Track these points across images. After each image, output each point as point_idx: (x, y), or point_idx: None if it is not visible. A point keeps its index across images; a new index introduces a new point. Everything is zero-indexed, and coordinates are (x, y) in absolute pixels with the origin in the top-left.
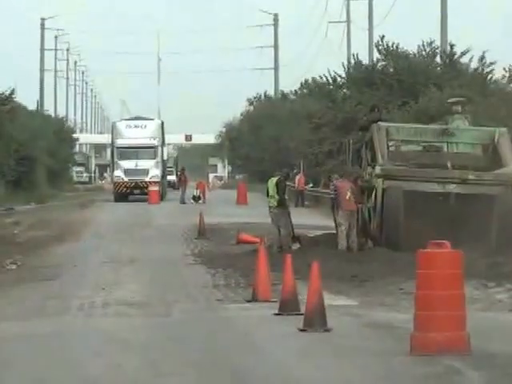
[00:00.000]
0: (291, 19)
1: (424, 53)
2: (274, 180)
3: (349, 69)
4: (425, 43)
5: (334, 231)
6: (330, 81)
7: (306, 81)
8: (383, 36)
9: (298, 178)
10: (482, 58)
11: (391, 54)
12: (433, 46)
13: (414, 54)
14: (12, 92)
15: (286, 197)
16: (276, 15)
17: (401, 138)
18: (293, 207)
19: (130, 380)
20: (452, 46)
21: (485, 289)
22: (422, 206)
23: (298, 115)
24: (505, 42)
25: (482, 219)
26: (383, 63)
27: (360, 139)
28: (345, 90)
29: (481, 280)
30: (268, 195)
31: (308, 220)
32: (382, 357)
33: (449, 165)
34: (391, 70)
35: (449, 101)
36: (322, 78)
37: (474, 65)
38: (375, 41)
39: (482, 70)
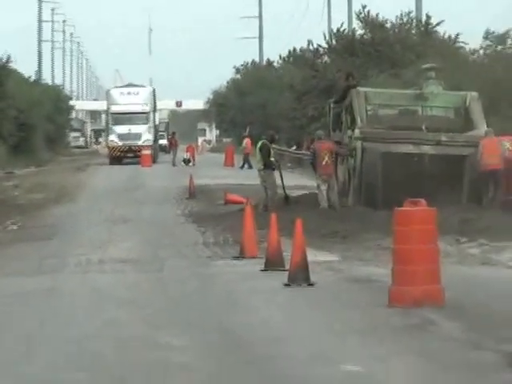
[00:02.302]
0: None
1: (402, 22)
2: (258, 144)
3: (330, 38)
4: (403, 13)
5: (316, 191)
6: (312, 50)
7: (294, 49)
8: (365, 6)
9: (245, 141)
10: (456, 36)
11: (370, 23)
12: (410, 15)
13: (393, 24)
14: (8, 58)
15: (272, 158)
16: None
17: (378, 102)
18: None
19: (124, 334)
20: (428, 16)
21: (458, 244)
22: (399, 167)
23: (282, 82)
24: None
25: (454, 179)
26: (362, 32)
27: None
28: (326, 59)
29: (454, 236)
30: (257, 158)
31: (291, 181)
32: (363, 309)
33: (423, 127)
34: (368, 38)
35: (423, 67)
36: (308, 46)
37: (446, 35)
38: (356, 10)
39: (454, 43)
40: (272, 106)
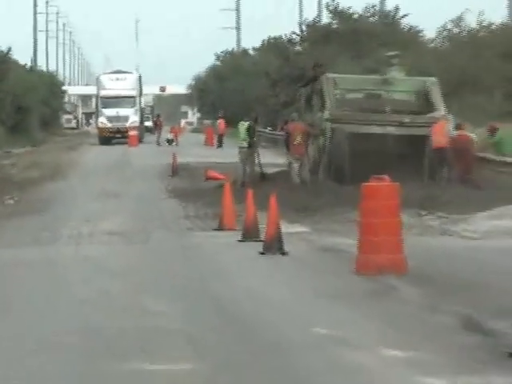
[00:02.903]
0: None
1: (368, 14)
2: (245, 124)
3: (301, 28)
4: (369, 5)
5: (288, 168)
6: (285, 40)
7: (269, 38)
8: None
9: (218, 122)
10: (411, 27)
11: (339, 14)
12: (375, 8)
13: (360, 15)
14: (9, 50)
15: (255, 139)
16: None
17: (346, 87)
18: (221, 149)
19: (117, 302)
20: (397, 9)
21: (419, 217)
22: (365, 146)
23: (258, 70)
24: None
25: (416, 157)
26: (334, 23)
27: (312, 88)
28: (298, 47)
29: (415, 209)
30: (241, 138)
31: (265, 159)
32: (332, 276)
33: (387, 110)
34: (337, 29)
35: (386, 54)
36: (280, 37)
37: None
38: (326, 1)
39: (411, 31)
40: (249, 92)
